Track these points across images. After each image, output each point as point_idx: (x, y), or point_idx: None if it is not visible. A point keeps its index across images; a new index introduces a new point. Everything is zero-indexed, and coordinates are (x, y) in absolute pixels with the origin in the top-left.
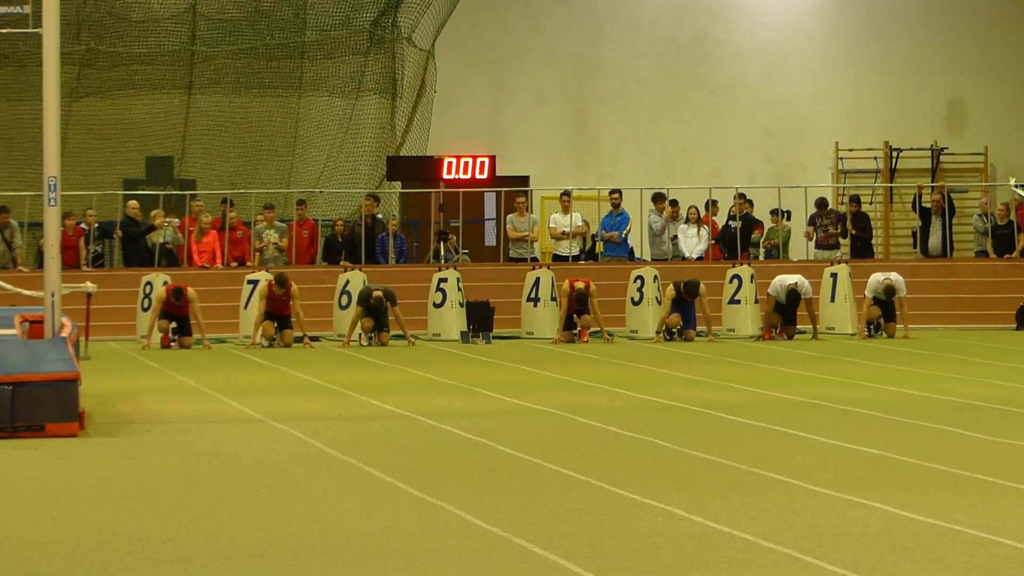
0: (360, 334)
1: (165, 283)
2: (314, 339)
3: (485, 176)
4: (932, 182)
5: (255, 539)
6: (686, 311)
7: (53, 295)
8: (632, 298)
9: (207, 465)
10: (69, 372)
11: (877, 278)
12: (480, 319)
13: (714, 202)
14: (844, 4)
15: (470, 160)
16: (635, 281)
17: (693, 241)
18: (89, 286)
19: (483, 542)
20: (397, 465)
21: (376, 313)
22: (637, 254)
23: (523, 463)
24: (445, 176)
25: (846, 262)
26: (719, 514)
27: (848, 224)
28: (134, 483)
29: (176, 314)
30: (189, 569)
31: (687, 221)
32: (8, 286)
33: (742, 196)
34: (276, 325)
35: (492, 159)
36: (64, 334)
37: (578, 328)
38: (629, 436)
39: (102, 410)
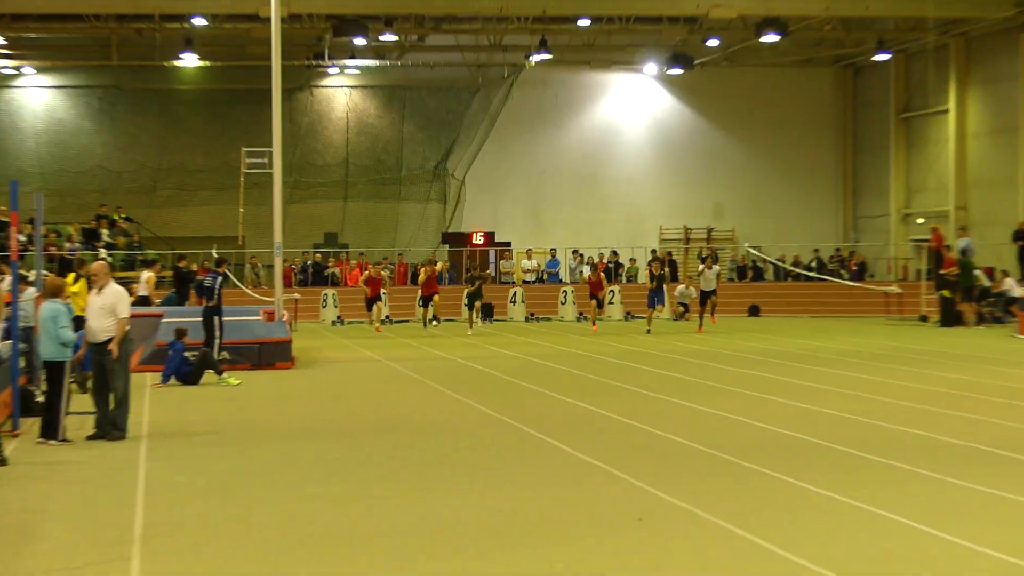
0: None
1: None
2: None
3: (487, 242)
4: (708, 244)
5: (371, 417)
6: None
7: (278, 301)
8: (560, 301)
9: (350, 378)
10: (285, 337)
11: (681, 288)
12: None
13: (614, 252)
14: (665, 152)
15: (482, 234)
16: (562, 293)
17: (586, 269)
18: (295, 295)
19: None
20: (443, 379)
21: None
22: (562, 278)
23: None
24: (472, 242)
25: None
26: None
27: (666, 267)
28: (318, 388)
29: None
30: (345, 435)
31: (586, 263)
32: (258, 296)
33: (654, 252)
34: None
35: (492, 233)
36: (284, 319)
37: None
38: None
39: (302, 356)
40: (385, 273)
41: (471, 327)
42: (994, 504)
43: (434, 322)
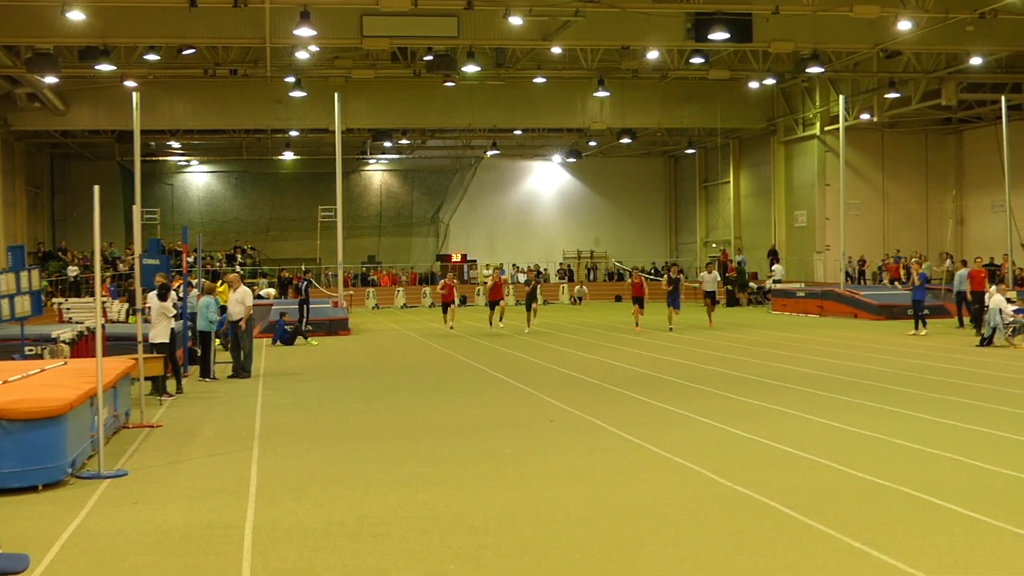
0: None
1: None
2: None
3: (462, 259)
4: (591, 260)
5: (391, 363)
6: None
7: (340, 295)
8: (506, 292)
9: (382, 340)
10: (344, 316)
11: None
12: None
13: (538, 267)
14: (565, 206)
15: (459, 254)
16: (507, 291)
17: (523, 277)
18: (350, 292)
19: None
20: (435, 339)
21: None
22: (507, 280)
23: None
24: (452, 259)
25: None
26: None
27: (681, 273)
28: (363, 346)
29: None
30: (377, 373)
31: (521, 272)
32: (328, 292)
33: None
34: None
35: (465, 254)
36: (343, 306)
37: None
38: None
39: (355, 328)
40: (456, 281)
41: (528, 326)
42: (763, 411)
43: (500, 323)
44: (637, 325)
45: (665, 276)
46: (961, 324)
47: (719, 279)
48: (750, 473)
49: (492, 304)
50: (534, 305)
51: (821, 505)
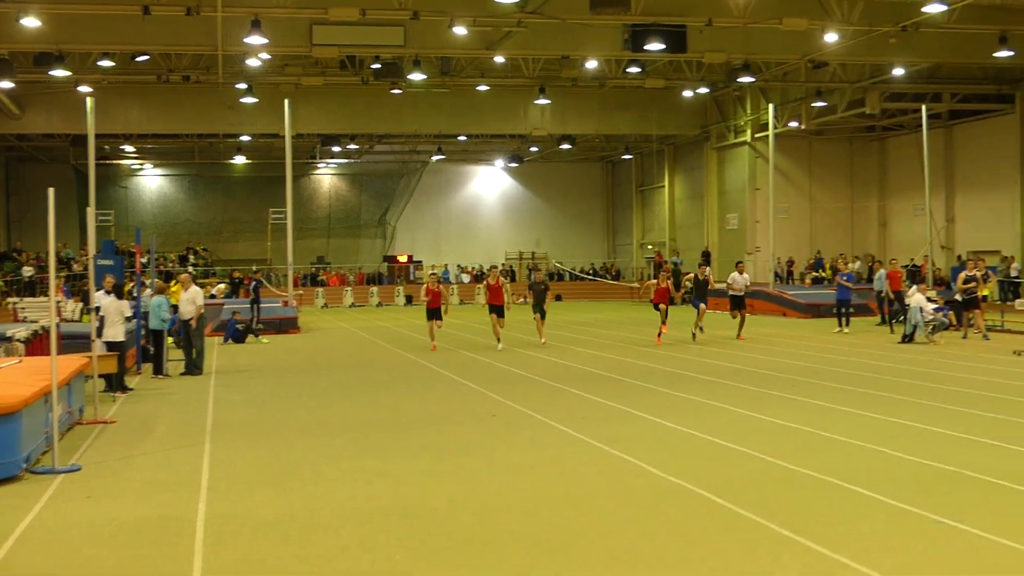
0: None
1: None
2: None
3: (409, 260)
4: (532, 260)
5: (340, 360)
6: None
7: (290, 295)
8: (450, 292)
9: (331, 339)
10: (294, 315)
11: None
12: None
13: (482, 265)
14: (507, 209)
15: (406, 255)
16: (451, 292)
17: (466, 278)
18: (300, 292)
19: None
20: (384, 337)
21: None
22: (451, 280)
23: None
24: (398, 260)
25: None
26: None
27: (710, 272)
28: (312, 344)
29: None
30: (327, 370)
31: (465, 272)
32: (279, 292)
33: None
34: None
35: (411, 255)
36: (293, 305)
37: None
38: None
39: (304, 326)
40: (442, 287)
41: (541, 337)
42: (697, 406)
43: (499, 344)
44: (659, 336)
45: (693, 275)
46: (883, 322)
47: (748, 282)
48: (684, 465)
49: (493, 310)
50: (543, 311)
51: (751, 495)
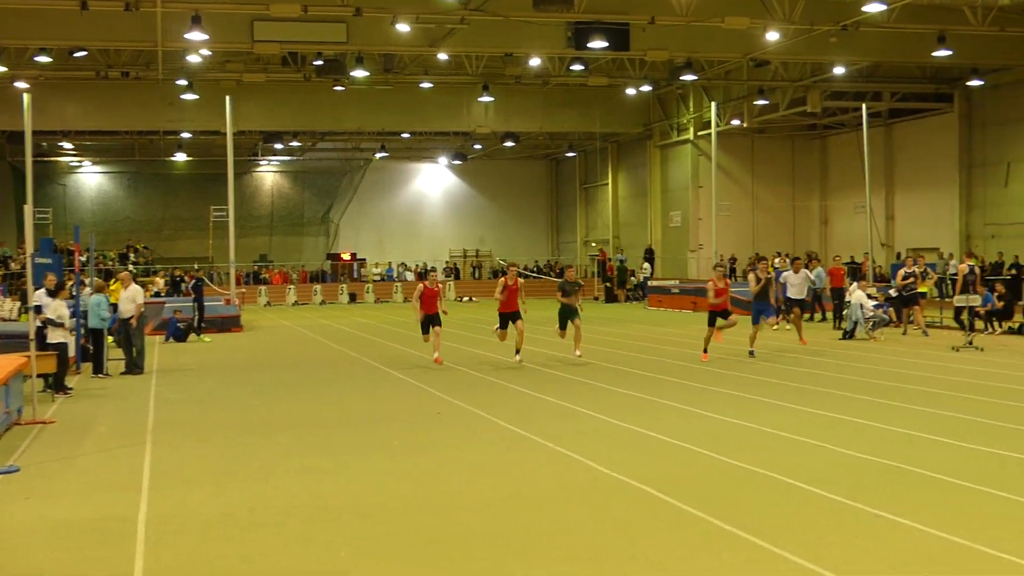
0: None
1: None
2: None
3: (352, 258)
4: (476, 258)
5: (284, 359)
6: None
7: (232, 293)
8: (393, 291)
9: (274, 337)
10: (236, 313)
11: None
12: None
13: (429, 266)
14: (451, 207)
15: (349, 253)
16: (394, 287)
17: (410, 275)
18: (242, 290)
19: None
20: (327, 336)
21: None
22: (394, 277)
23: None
24: (342, 258)
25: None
26: None
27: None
28: (255, 343)
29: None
30: (270, 369)
31: (409, 270)
32: (221, 290)
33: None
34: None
35: (355, 253)
36: (236, 303)
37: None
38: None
39: (247, 324)
40: (441, 286)
41: (577, 347)
42: (640, 402)
43: (517, 357)
44: (705, 352)
45: (752, 275)
46: (824, 318)
47: (810, 278)
48: (627, 461)
49: (507, 319)
50: (576, 320)
51: (694, 490)
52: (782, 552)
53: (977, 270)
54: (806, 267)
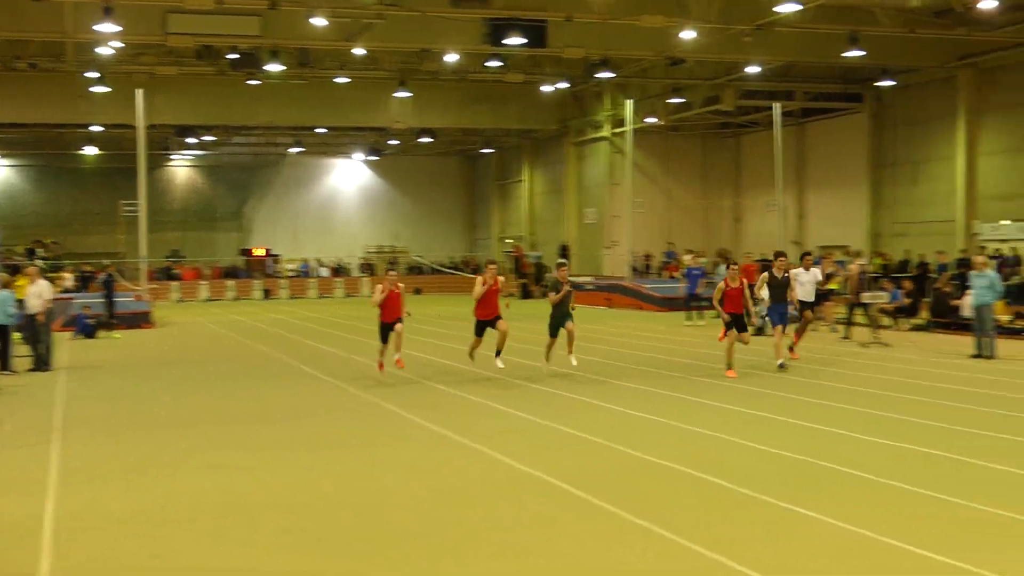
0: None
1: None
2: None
3: (267, 254)
4: (391, 252)
5: (195, 355)
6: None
7: (143, 289)
8: (308, 287)
9: (185, 333)
10: (147, 310)
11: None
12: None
13: (340, 260)
14: (366, 202)
15: (264, 249)
16: (310, 286)
17: (324, 271)
18: (153, 286)
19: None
20: (238, 332)
21: None
22: (309, 273)
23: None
24: (253, 254)
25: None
26: None
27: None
28: (166, 339)
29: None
30: (181, 364)
31: (324, 266)
32: (132, 286)
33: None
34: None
35: (270, 249)
36: (147, 299)
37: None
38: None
39: (158, 320)
40: (402, 286)
41: (571, 353)
42: (556, 399)
43: (499, 363)
44: (730, 368)
45: (765, 275)
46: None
47: (820, 278)
48: (543, 457)
49: (485, 325)
50: (569, 324)
51: (607, 485)
52: (693, 545)
53: (863, 269)
54: (817, 262)
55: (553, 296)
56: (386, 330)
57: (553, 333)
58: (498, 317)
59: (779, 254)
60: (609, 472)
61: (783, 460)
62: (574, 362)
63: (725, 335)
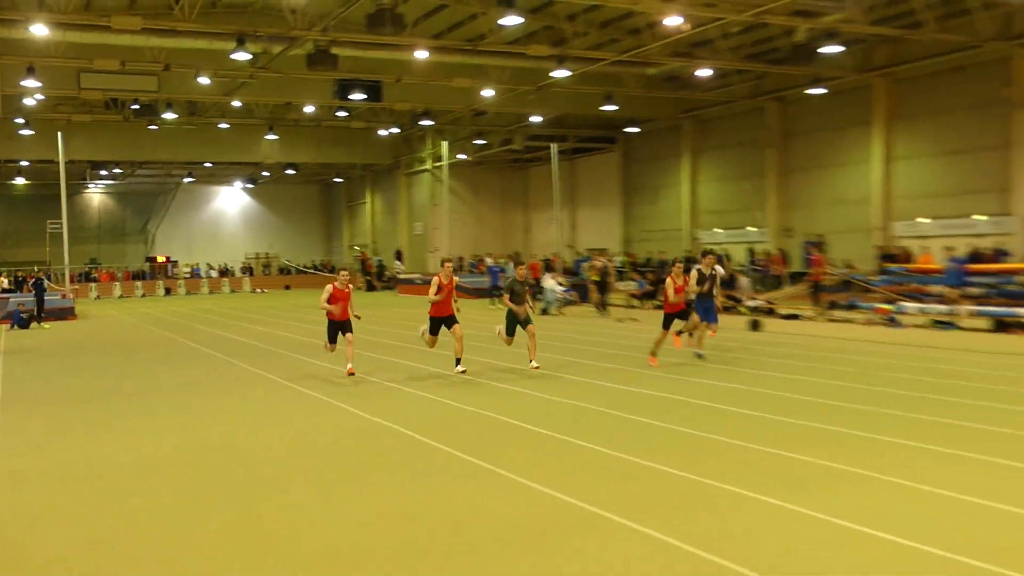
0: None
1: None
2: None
3: (167, 260)
4: (268, 258)
5: (114, 342)
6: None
7: (67, 289)
8: (201, 286)
9: (105, 325)
10: (71, 306)
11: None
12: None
13: (226, 264)
14: (247, 220)
15: (165, 256)
16: (202, 285)
17: (214, 273)
18: (76, 287)
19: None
20: (153, 322)
21: None
22: (201, 275)
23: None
24: (156, 260)
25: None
26: None
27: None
28: (88, 329)
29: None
30: (103, 350)
31: (213, 269)
32: (58, 287)
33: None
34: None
35: (170, 256)
36: (71, 297)
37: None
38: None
39: (81, 314)
40: (351, 287)
41: (532, 356)
42: (408, 368)
43: (459, 368)
44: (653, 355)
45: (695, 272)
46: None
47: (721, 272)
48: (395, 413)
49: (440, 323)
50: (530, 326)
51: (455, 436)
52: (529, 482)
53: (612, 267)
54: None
55: (510, 302)
56: (335, 329)
57: (509, 332)
58: (453, 317)
59: (706, 252)
60: (454, 425)
61: (557, 406)
62: (534, 364)
63: (672, 336)
